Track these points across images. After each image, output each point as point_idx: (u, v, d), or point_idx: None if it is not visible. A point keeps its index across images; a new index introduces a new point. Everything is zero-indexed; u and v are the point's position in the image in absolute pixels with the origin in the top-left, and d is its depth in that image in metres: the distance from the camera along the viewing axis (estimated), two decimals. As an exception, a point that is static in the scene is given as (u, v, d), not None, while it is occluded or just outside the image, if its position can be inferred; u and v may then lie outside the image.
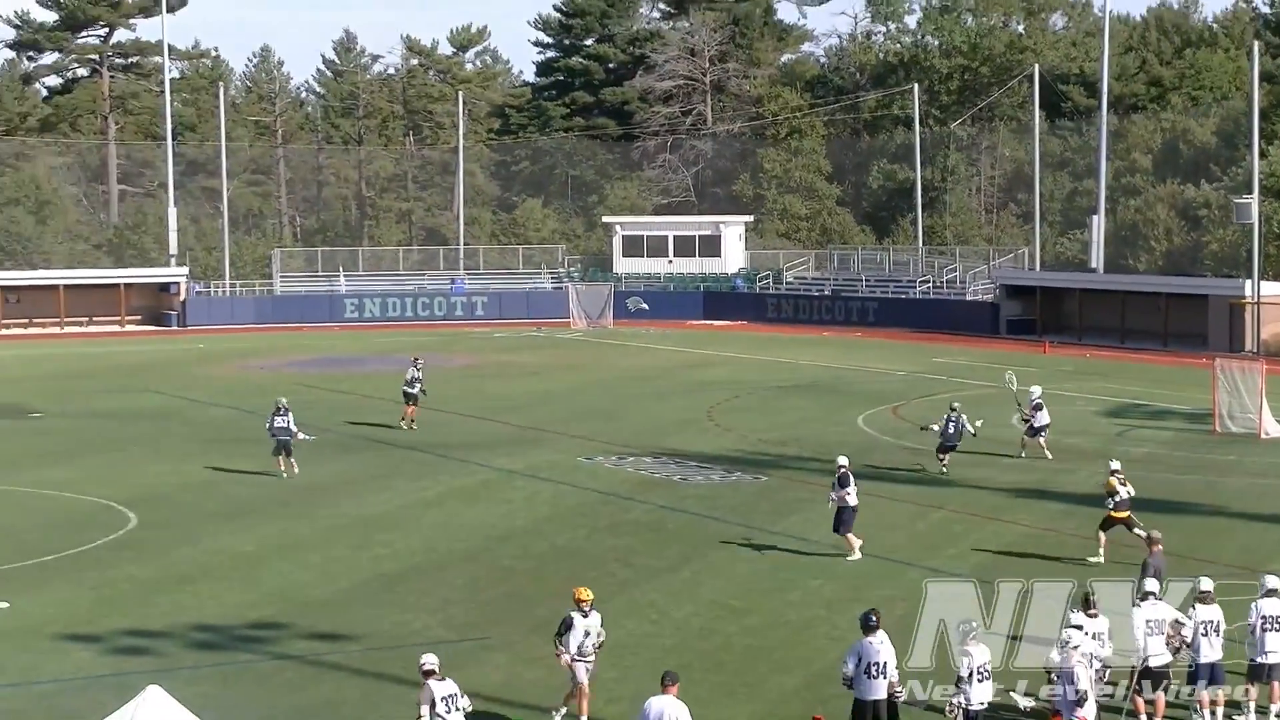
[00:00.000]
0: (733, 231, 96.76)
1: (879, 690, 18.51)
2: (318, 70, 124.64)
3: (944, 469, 38.53)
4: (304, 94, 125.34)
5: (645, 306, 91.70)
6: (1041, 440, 40.51)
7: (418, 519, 33.50)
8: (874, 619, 18.87)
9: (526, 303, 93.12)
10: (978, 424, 39.51)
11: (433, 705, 17.81)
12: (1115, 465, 29.72)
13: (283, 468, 39.18)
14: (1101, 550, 28.61)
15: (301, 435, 39.90)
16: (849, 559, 29.21)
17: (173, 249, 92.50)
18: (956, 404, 39.79)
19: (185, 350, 74.77)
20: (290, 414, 39.69)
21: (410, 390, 46.86)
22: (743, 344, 76.18)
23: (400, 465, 40.43)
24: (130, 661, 23.01)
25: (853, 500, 29.65)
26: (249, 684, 22.23)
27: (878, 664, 18.51)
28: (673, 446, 43.05)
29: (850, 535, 29.65)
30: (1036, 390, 41.08)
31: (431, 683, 17.98)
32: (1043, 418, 40.66)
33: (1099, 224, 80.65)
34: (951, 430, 38.59)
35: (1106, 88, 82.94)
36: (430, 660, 18.23)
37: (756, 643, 23.97)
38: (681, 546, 30.65)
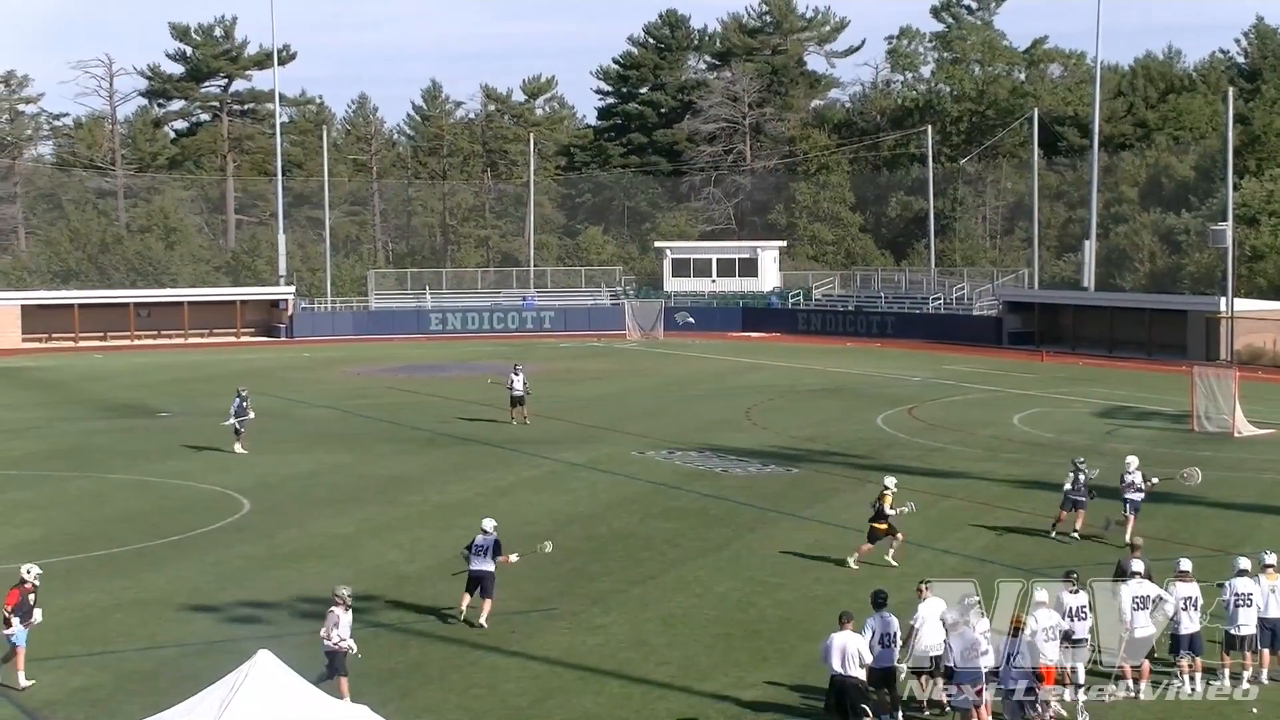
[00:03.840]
0: (768, 255, 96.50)
1: (892, 658, 18.58)
2: (408, 115, 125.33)
3: (1070, 533, 28.98)
4: (396, 136, 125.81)
5: (692, 320, 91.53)
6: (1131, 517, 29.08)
7: (492, 505, 33.36)
8: (883, 597, 19.03)
9: (588, 317, 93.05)
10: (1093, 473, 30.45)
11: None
12: (890, 483, 27.77)
13: (238, 446, 41.09)
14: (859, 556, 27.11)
15: (241, 419, 41.45)
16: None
17: (282, 270, 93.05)
18: (1081, 460, 30.76)
19: (293, 358, 75.12)
20: (240, 402, 41.56)
21: (516, 394, 47.30)
22: (777, 353, 75.98)
23: (477, 459, 40.48)
24: (244, 629, 23.09)
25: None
26: (346, 648, 22.27)
27: (890, 635, 18.59)
28: (715, 442, 42.93)
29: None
30: (1133, 462, 30.11)
31: (338, 609, 19.44)
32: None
33: (1090, 248, 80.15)
34: (1078, 484, 29.43)
35: (1098, 128, 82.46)
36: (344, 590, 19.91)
37: (787, 614, 23.88)
38: (723, 530, 30.56)
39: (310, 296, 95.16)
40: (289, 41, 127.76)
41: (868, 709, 17.90)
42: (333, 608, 19.53)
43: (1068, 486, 29.27)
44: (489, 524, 24.13)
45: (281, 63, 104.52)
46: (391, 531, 30.84)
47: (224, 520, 32.05)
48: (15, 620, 20.45)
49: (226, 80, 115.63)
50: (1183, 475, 30.17)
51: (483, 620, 23.38)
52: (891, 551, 27.12)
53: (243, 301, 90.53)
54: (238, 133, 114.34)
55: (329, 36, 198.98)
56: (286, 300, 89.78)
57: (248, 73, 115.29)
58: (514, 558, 24.10)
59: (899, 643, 18.64)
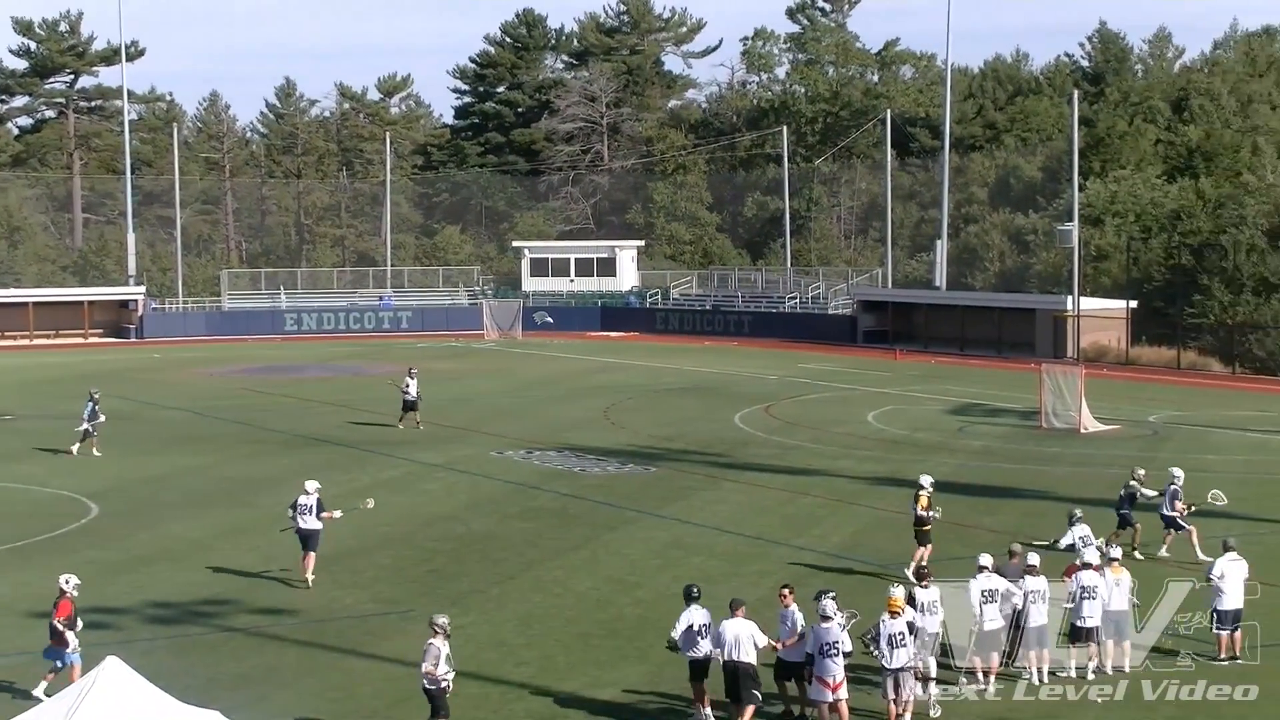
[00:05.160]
0: (626, 254, 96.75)
1: (705, 649, 18.79)
2: (261, 113, 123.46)
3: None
4: (249, 134, 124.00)
5: (550, 320, 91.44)
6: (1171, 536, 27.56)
7: (348, 505, 33.13)
8: (696, 591, 19.22)
9: (446, 317, 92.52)
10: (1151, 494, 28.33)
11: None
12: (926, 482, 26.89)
13: (78, 448, 40.68)
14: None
15: (93, 422, 40.91)
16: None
17: (131, 270, 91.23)
18: (1140, 470, 28.90)
19: (143, 359, 73.69)
20: (91, 405, 41.03)
21: (410, 398, 46.04)
22: (635, 352, 76.21)
23: (334, 460, 40.03)
24: (92, 635, 22.51)
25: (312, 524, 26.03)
26: (199, 654, 21.95)
27: (705, 626, 18.80)
28: (574, 442, 42.95)
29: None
30: (1178, 474, 28.15)
31: (438, 641, 17.87)
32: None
33: (942, 248, 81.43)
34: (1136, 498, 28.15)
35: (949, 130, 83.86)
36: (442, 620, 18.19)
37: (646, 613, 23.96)
38: (582, 529, 30.60)
39: (161, 297, 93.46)
40: (137, 37, 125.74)
41: (758, 693, 18.25)
42: (431, 640, 17.84)
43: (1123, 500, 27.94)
44: (311, 485, 26.28)
45: (130, 59, 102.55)
46: (246, 534, 30.42)
47: (71, 525, 31.38)
48: (71, 635, 19.66)
49: (72, 76, 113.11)
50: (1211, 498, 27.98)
51: (309, 576, 25.67)
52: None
53: (90, 302, 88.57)
54: (85, 130, 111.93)
55: (179, 33, 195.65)
56: (136, 301, 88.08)
57: (94, 69, 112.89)
58: (337, 514, 26.42)
59: (709, 635, 18.87)
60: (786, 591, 19.34)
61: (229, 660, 21.55)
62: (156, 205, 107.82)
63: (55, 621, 19.81)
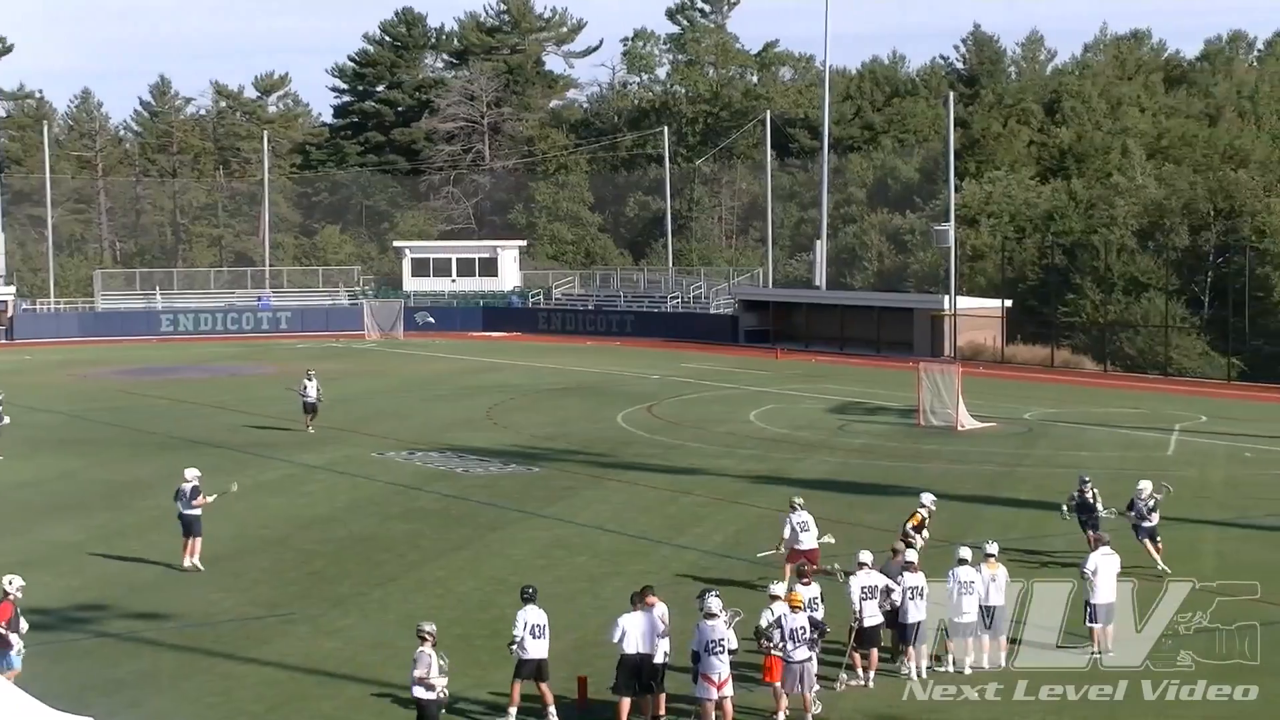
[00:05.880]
0: (508, 254, 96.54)
1: (544, 649, 18.84)
2: (135, 111, 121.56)
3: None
4: (123, 132, 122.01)
5: (432, 320, 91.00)
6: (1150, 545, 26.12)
7: (227, 509, 32.41)
8: (531, 590, 19.26)
9: (326, 317, 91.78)
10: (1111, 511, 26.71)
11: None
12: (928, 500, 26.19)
13: None
14: None
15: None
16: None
17: (0, 270, 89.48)
18: (1088, 477, 27.58)
19: (13, 361, 72.16)
20: None
21: (309, 400, 45.30)
22: (518, 352, 76.03)
23: (212, 461, 39.18)
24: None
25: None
26: (73, 660, 21.55)
27: (540, 626, 18.80)
28: (457, 442, 42.75)
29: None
30: (1146, 487, 26.76)
31: (427, 648, 17.55)
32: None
33: (822, 248, 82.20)
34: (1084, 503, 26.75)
35: (828, 131, 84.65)
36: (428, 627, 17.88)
37: (529, 613, 23.88)
38: (464, 530, 30.46)
39: (32, 297, 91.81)
40: (5, 34, 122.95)
41: (655, 685, 18.32)
42: (421, 648, 17.52)
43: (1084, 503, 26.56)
44: (190, 473, 27.47)
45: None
46: (122, 538, 29.92)
47: (-60, 531, 30.68)
48: (15, 637, 18.79)
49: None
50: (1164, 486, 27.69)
51: (196, 560, 26.72)
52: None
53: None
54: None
55: (48, 29, 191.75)
56: (6, 301, 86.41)
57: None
58: (211, 498, 27.47)
59: (548, 635, 18.90)
60: (647, 594, 19.12)
61: (103, 666, 21.17)
62: (27, 204, 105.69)
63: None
